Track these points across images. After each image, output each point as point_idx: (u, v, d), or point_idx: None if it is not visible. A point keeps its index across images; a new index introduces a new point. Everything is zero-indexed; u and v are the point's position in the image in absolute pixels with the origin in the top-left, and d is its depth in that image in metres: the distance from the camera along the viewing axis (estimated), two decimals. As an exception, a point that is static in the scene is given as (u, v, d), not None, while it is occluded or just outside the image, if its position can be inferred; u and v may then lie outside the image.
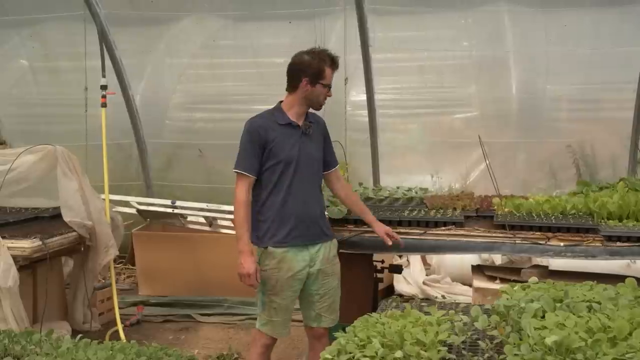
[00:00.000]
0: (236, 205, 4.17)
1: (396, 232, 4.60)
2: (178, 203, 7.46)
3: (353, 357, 2.45)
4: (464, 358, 2.49)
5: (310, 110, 4.36)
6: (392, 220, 4.84)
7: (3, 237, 4.98)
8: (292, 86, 4.28)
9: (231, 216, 7.18)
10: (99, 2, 7.41)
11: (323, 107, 4.38)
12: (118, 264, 7.79)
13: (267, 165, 4.19)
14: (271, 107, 4.42)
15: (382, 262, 5.33)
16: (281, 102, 4.35)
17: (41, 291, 5.42)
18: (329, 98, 4.33)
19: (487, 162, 6.87)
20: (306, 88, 4.21)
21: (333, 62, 4.26)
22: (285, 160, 4.18)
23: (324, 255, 4.27)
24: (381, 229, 4.51)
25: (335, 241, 4.42)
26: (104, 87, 6.08)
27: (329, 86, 4.26)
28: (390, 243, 4.48)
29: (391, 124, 7.82)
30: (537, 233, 4.71)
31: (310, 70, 4.19)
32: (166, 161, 8.51)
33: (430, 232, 4.81)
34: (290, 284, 4.22)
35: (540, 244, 4.62)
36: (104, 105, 6.06)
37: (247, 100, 8.24)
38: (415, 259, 7.13)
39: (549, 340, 2.25)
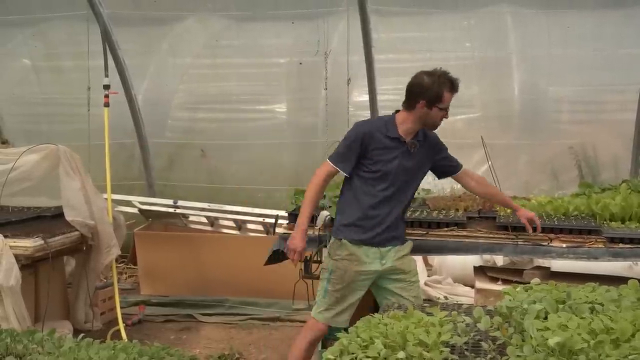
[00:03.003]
0: (311, 186, 4.34)
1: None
2: (180, 203, 7.48)
3: (355, 358, 2.45)
4: (467, 359, 2.49)
5: None
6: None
7: (5, 236, 4.97)
8: (409, 105, 4.30)
9: (232, 216, 7.24)
10: (102, 1, 7.42)
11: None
12: (120, 264, 7.79)
13: (364, 170, 4.28)
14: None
15: (384, 262, 5.33)
16: (397, 111, 4.38)
17: (43, 290, 5.43)
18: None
19: (490, 163, 6.85)
20: (422, 110, 4.24)
21: (452, 86, 4.27)
22: (382, 172, 4.25)
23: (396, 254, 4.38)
24: (523, 215, 4.57)
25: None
26: (106, 87, 6.09)
27: (446, 109, 4.27)
28: (531, 231, 4.54)
29: (393, 124, 7.82)
30: (539, 234, 4.71)
31: (428, 94, 4.21)
32: (168, 161, 8.51)
33: (433, 232, 4.80)
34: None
35: (542, 245, 4.62)
36: (106, 104, 6.07)
37: (250, 100, 8.27)
38: (417, 260, 7.11)
39: (552, 341, 2.25)
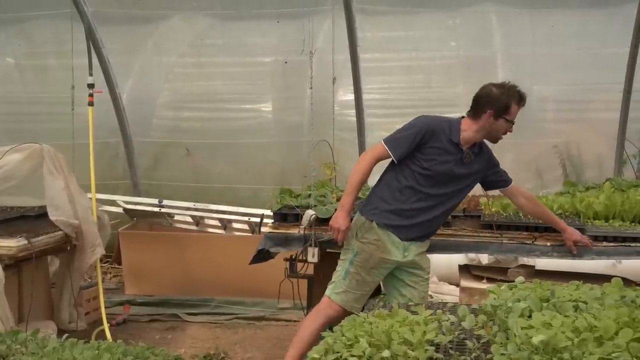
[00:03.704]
0: (359, 167, 4.28)
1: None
2: (165, 202, 7.46)
3: (340, 357, 2.45)
4: (451, 357, 2.49)
5: None
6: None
7: (-12, 236, 4.94)
8: (475, 114, 4.32)
9: (218, 215, 7.23)
10: (86, 0, 7.38)
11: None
12: (104, 263, 7.75)
13: (415, 164, 4.26)
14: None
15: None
16: (462, 117, 4.39)
17: (27, 290, 5.39)
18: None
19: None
20: (489, 120, 4.27)
21: (521, 99, 4.31)
22: (432, 171, 4.24)
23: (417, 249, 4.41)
24: (569, 238, 4.51)
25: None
26: (91, 86, 6.05)
27: (512, 122, 4.30)
28: (575, 251, 4.51)
29: (379, 123, 7.83)
30: (523, 233, 4.73)
31: (497, 104, 4.25)
32: (153, 160, 8.48)
33: (418, 231, 4.80)
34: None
35: (527, 243, 4.64)
36: (91, 103, 6.03)
37: (235, 99, 8.26)
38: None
39: (536, 339, 2.25)
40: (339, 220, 4.28)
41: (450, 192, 4.35)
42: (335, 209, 4.65)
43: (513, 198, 4.66)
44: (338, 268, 4.43)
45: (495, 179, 4.55)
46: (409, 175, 4.28)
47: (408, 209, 4.29)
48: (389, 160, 4.34)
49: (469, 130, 4.31)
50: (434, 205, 4.32)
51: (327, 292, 4.43)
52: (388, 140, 4.29)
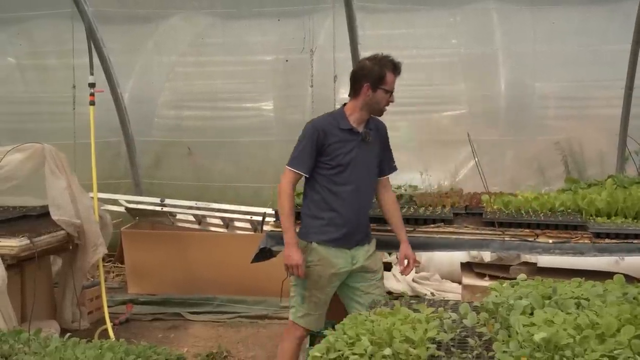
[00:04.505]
0: (282, 197, 4.24)
1: (385, 229, 4.65)
2: (167, 201, 7.46)
3: (342, 355, 2.45)
4: (453, 355, 2.49)
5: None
6: (381, 217, 4.83)
7: (-10, 236, 4.95)
8: (354, 92, 4.31)
9: (219, 214, 7.23)
10: (87, -1, 7.40)
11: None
12: (107, 263, 7.75)
13: (323, 167, 4.25)
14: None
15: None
16: (344, 105, 4.37)
17: (29, 290, 5.40)
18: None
19: (476, 159, 6.88)
20: (367, 93, 4.24)
21: (395, 68, 4.27)
22: (342, 165, 4.23)
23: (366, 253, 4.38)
24: (403, 252, 4.49)
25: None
26: (92, 85, 6.07)
27: (390, 92, 4.28)
28: (401, 268, 4.49)
29: (380, 121, 7.83)
30: (525, 230, 4.72)
31: (371, 76, 4.22)
32: (155, 159, 8.49)
33: (420, 229, 4.80)
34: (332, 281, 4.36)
35: (529, 241, 4.63)
36: (92, 103, 6.04)
37: (236, 98, 8.26)
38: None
39: (538, 337, 2.25)
40: (293, 256, 4.20)
41: (367, 180, 4.35)
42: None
43: (380, 185, 4.56)
44: (293, 294, 4.43)
45: (385, 161, 4.52)
46: (324, 181, 4.27)
47: (336, 215, 4.27)
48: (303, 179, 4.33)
49: (354, 112, 4.30)
50: (360, 201, 4.32)
51: (291, 316, 4.46)
52: (290, 162, 4.29)
